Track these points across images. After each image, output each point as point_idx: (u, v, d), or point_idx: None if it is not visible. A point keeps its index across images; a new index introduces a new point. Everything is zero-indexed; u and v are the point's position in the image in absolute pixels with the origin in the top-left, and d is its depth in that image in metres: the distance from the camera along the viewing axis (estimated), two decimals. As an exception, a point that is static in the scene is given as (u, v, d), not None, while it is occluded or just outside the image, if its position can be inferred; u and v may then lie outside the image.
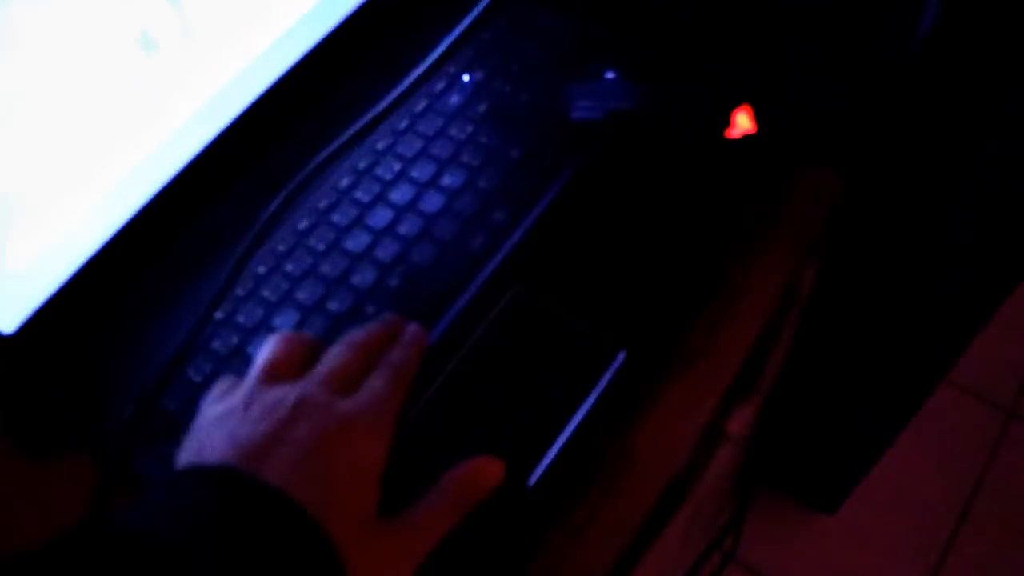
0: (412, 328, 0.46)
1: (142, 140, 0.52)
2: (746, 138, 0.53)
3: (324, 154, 0.54)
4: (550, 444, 0.46)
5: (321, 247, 0.54)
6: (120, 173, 0.52)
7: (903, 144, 0.56)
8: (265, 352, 0.44)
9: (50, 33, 0.45)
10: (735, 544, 0.94)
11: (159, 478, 0.42)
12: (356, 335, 0.45)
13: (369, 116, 0.57)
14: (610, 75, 0.55)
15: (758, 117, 0.53)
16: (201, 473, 0.37)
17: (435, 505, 0.40)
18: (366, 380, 0.42)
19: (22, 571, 0.31)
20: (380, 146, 0.58)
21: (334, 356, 0.43)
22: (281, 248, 0.55)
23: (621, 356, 0.48)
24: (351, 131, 0.52)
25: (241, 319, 0.52)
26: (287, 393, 0.40)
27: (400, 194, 0.55)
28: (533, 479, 0.46)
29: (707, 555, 0.82)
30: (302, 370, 0.43)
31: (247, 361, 0.51)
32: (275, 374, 0.42)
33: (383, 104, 0.56)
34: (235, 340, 0.52)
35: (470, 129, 0.58)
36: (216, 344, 0.52)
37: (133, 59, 0.49)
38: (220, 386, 0.44)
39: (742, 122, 0.53)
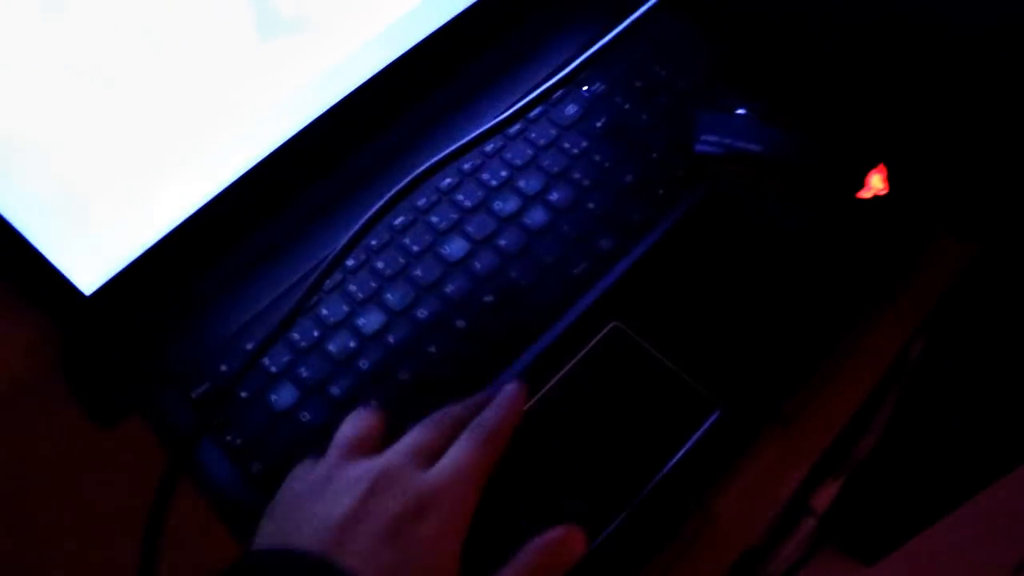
0: (509, 387, 0.44)
1: (247, 112, 0.50)
2: (876, 199, 0.50)
3: (449, 150, 0.51)
4: (629, 500, 0.44)
5: (416, 248, 0.52)
6: (222, 143, 0.50)
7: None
8: (346, 429, 0.43)
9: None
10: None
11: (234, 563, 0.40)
12: (443, 411, 0.44)
13: (508, 112, 0.52)
14: (741, 111, 0.52)
15: (892, 179, 0.50)
16: (277, 558, 0.36)
17: None
18: (451, 447, 0.41)
19: None
20: (488, 148, 0.55)
21: (418, 431, 0.42)
22: (374, 243, 0.53)
23: (715, 414, 0.46)
24: (480, 130, 0.49)
25: (324, 312, 0.51)
26: (368, 468, 0.39)
27: (504, 204, 0.53)
28: (604, 534, 0.43)
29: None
30: (384, 446, 0.42)
31: (325, 358, 0.49)
32: (356, 450, 0.41)
33: (524, 102, 0.52)
34: (315, 334, 0.50)
35: (584, 144, 0.55)
36: (296, 335, 0.50)
37: (246, 32, 0.47)
38: (302, 465, 0.43)
39: (875, 183, 0.49)
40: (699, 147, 0.52)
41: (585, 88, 0.57)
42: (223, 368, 0.50)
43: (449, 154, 0.47)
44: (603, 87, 0.57)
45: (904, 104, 0.51)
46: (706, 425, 0.46)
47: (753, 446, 0.47)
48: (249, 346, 0.50)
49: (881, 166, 0.50)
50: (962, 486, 0.84)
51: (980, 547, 1.22)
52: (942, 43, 0.49)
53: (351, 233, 0.50)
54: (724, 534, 0.46)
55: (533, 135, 0.56)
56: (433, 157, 0.47)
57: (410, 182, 0.49)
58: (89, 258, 0.48)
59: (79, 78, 0.42)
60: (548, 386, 0.47)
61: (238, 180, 0.51)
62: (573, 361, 0.48)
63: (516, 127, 0.56)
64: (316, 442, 0.45)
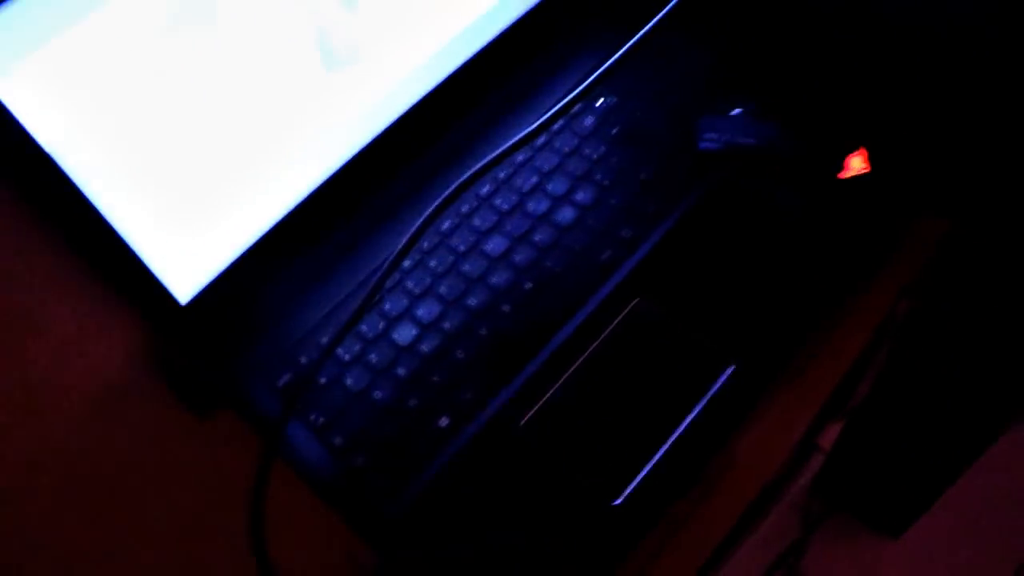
0: None
1: (317, 135, 0.59)
2: (858, 178, 0.57)
3: (487, 159, 0.58)
4: (658, 447, 0.51)
5: (462, 248, 0.60)
6: (296, 162, 0.58)
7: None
8: None
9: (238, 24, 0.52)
10: (797, 559, 0.97)
11: None
12: None
13: (535, 124, 0.60)
14: (737, 111, 0.60)
15: (873, 160, 0.57)
16: None
17: None
18: None
19: None
20: (519, 158, 0.64)
21: None
22: (425, 245, 0.61)
23: (731, 368, 0.53)
24: (511, 141, 0.56)
25: (387, 307, 0.59)
26: None
27: (536, 205, 0.61)
28: (637, 479, 0.51)
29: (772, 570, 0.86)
30: None
31: (391, 345, 0.57)
32: None
33: (548, 114, 0.58)
34: (381, 325, 0.58)
35: (602, 149, 0.63)
36: (364, 328, 0.58)
37: (312, 66, 0.56)
38: None
39: (855, 164, 0.57)
40: (702, 144, 0.60)
41: (600, 102, 0.65)
42: (303, 360, 0.58)
43: (487, 163, 0.55)
44: (615, 100, 0.65)
45: (882, 95, 0.59)
46: (723, 378, 0.53)
47: (765, 396, 0.55)
48: (324, 340, 0.58)
49: (862, 149, 0.57)
50: (958, 443, 0.89)
51: (996, 519, 1.26)
52: (920, 34, 0.57)
53: (406, 238, 0.57)
54: (742, 474, 0.53)
55: (557, 144, 0.64)
56: (472, 168, 0.55)
57: (454, 190, 0.57)
58: (185, 272, 0.56)
59: (184, 106, 0.51)
60: (584, 356, 0.55)
61: (310, 196, 0.60)
62: (604, 333, 0.55)
63: (542, 139, 0.64)
64: (390, 415, 0.53)
